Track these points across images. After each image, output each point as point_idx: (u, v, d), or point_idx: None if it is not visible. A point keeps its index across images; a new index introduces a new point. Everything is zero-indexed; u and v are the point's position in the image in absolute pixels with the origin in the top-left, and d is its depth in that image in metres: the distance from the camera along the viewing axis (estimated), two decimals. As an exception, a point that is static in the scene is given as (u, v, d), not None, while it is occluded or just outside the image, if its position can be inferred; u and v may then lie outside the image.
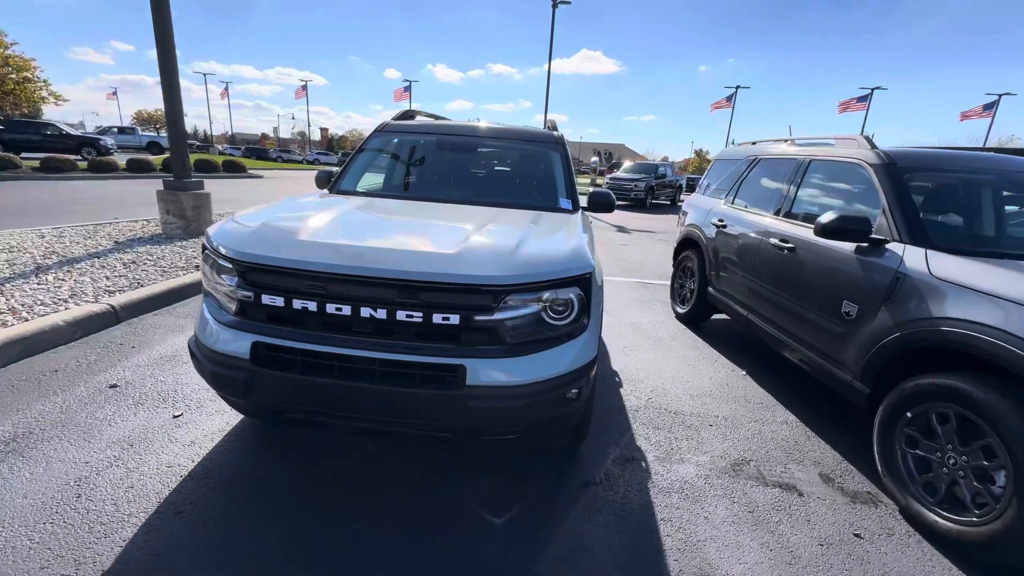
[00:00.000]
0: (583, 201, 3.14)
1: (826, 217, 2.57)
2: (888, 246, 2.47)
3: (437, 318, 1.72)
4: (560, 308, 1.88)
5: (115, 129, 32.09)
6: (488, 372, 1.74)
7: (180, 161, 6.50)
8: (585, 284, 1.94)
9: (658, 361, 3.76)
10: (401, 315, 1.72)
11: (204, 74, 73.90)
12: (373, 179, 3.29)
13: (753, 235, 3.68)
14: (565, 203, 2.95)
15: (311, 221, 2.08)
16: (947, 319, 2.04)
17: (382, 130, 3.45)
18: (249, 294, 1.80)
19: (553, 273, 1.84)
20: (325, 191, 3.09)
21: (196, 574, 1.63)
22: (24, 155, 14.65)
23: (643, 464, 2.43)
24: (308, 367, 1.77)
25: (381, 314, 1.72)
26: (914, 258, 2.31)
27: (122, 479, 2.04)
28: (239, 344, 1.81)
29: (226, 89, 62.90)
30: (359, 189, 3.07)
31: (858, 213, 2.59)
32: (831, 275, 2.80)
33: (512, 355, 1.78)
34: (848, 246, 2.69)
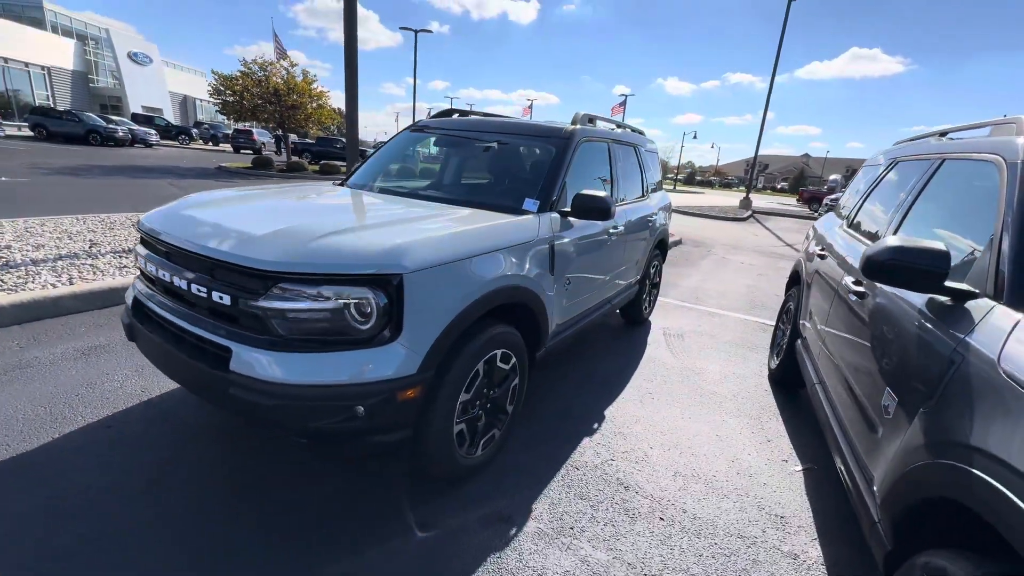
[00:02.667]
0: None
1: (876, 247, 1.55)
2: (974, 303, 1.37)
3: (215, 295, 1.68)
4: (366, 311, 1.62)
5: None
6: (250, 362, 1.61)
7: (351, 162, 7.94)
8: (391, 287, 1.62)
9: (681, 419, 2.89)
10: (195, 288, 1.74)
11: (451, 98, 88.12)
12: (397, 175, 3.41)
13: (837, 270, 2.51)
14: (530, 204, 2.52)
15: (222, 202, 2.28)
16: (981, 452, 1.02)
17: (402, 130, 3.54)
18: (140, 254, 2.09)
19: (335, 267, 1.59)
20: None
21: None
22: (323, 161, 20.22)
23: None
24: (150, 322, 1.95)
25: (182, 284, 1.78)
26: (995, 328, 1.22)
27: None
28: (129, 295, 2.13)
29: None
30: (365, 182, 3.20)
31: (931, 244, 1.47)
32: (885, 340, 1.71)
33: (282, 350, 1.61)
34: (918, 298, 1.59)
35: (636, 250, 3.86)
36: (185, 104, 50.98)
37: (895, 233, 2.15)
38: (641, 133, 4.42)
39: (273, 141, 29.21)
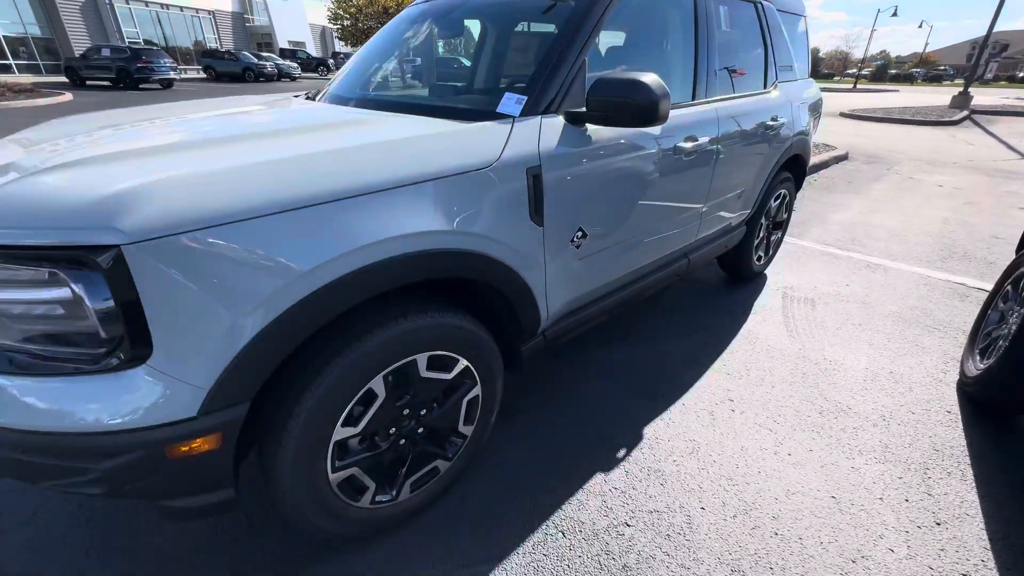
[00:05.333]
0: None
1: None
2: None
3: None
4: (67, 312, 0.90)
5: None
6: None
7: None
8: (106, 270, 0.85)
9: (771, 457, 1.79)
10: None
11: None
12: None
13: None
14: (509, 102, 1.48)
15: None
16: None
17: (403, 10, 2.53)
18: None
19: (-3, 232, 0.85)
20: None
21: None
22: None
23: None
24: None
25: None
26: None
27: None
28: None
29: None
30: (334, 89, 2.36)
31: None
32: None
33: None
34: None
35: (742, 173, 2.51)
36: (323, 35, 53.96)
37: None
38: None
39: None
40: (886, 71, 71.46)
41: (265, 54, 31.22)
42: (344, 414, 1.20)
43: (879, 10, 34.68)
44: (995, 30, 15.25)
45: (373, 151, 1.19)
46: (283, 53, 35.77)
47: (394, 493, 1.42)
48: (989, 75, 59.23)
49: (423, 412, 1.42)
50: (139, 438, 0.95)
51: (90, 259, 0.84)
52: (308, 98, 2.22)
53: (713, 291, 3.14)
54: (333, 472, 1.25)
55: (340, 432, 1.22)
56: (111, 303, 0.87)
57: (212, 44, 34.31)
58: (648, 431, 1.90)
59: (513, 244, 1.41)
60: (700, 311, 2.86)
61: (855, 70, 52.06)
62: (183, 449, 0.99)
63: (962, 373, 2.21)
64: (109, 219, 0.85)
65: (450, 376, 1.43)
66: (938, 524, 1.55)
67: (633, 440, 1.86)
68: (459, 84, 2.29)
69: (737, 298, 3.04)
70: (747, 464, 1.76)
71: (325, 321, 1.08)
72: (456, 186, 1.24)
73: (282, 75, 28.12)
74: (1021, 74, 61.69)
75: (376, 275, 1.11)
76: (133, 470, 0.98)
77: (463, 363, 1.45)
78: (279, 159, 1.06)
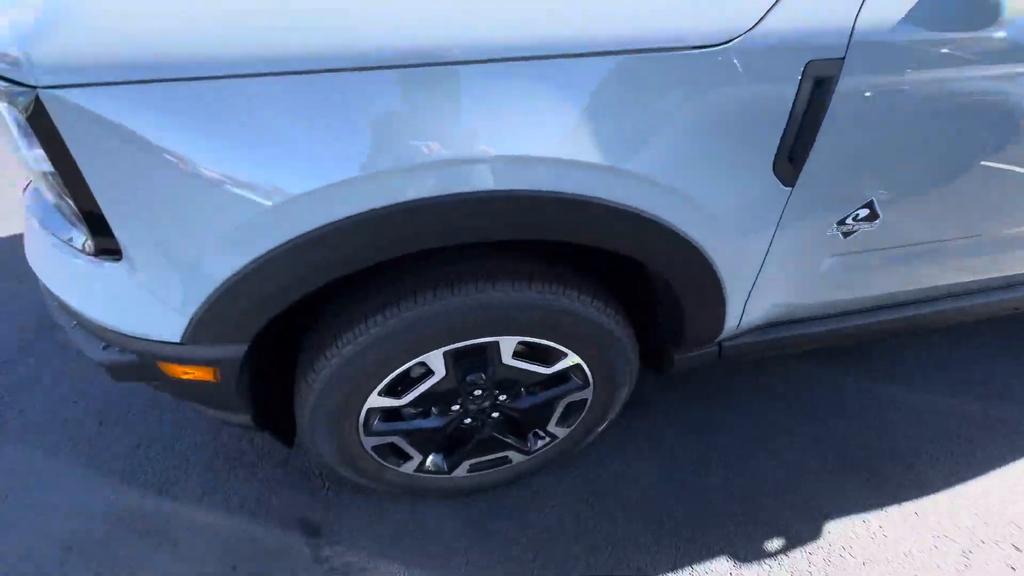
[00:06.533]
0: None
1: None
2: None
3: None
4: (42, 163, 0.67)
5: None
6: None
7: None
8: (24, 111, 0.56)
9: None
10: None
11: None
12: None
13: None
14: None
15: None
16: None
17: None
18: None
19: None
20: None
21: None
22: None
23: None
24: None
25: None
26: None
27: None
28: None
29: None
30: None
31: None
32: None
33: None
34: None
35: None
36: None
37: None
38: None
39: None
40: None
41: None
42: (382, 385, 0.87)
43: None
44: None
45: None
46: None
47: (447, 468, 1.14)
48: None
49: (502, 398, 1.03)
50: (130, 344, 0.76)
51: (13, 96, 0.55)
52: None
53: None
54: (367, 436, 0.98)
55: (375, 400, 0.91)
56: (46, 162, 0.60)
57: None
58: (834, 532, 1.21)
59: (718, 208, 0.76)
60: (1011, 358, 1.71)
61: None
62: (177, 371, 0.79)
63: None
64: (24, 46, 0.52)
65: (549, 371, 0.98)
66: None
67: (804, 536, 1.20)
68: None
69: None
70: None
71: (345, 271, 0.69)
72: (628, 75, 0.62)
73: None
74: None
75: (421, 222, 0.64)
76: (137, 372, 0.82)
77: (573, 359, 0.96)
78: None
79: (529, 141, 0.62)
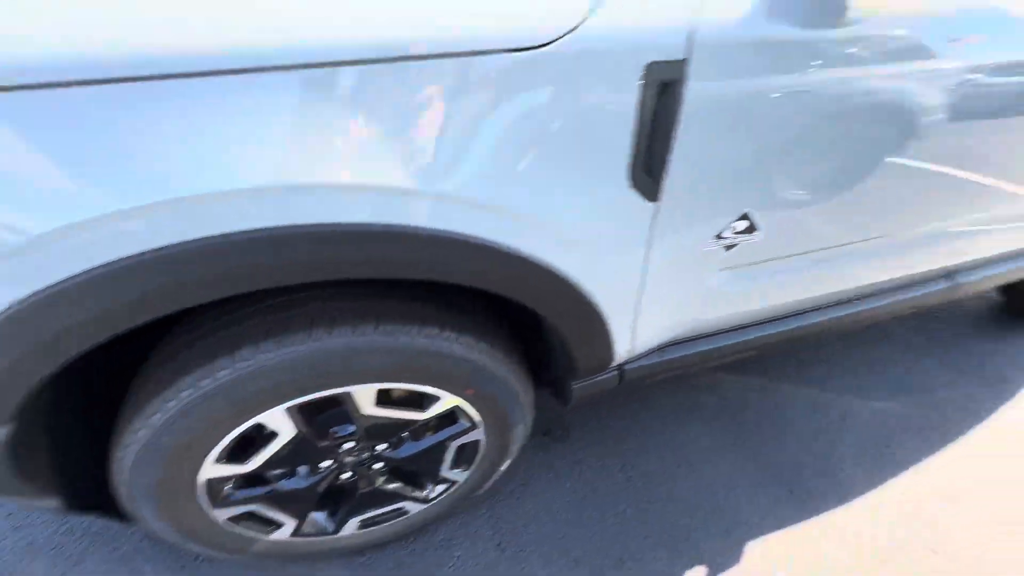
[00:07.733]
0: None
1: None
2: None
3: None
4: None
5: None
6: None
7: None
8: None
9: None
10: None
11: None
12: None
13: None
14: None
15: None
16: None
17: None
18: None
19: None
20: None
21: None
22: None
23: None
24: None
25: None
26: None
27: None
28: None
29: None
30: None
31: None
32: None
33: None
34: None
35: None
36: None
37: None
38: None
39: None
40: None
41: None
42: (216, 451, 0.75)
43: None
44: None
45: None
46: None
47: (332, 528, 1.01)
48: None
49: (381, 447, 0.92)
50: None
51: None
52: None
53: (970, 334, 1.88)
54: (217, 507, 0.85)
55: (212, 470, 0.78)
56: None
57: None
58: (772, 543, 1.15)
59: (576, 230, 0.68)
60: (934, 359, 1.72)
61: None
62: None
63: None
64: None
65: (424, 415, 0.87)
66: None
67: (727, 562, 1.14)
68: None
69: (1006, 354, 1.78)
70: None
71: (122, 328, 0.56)
72: (440, 81, 0.53)
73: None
74: None
75: (203, 266, 0.53)
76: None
77: (449, 400, 0.86)
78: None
79: (294, 166, 0.51)
